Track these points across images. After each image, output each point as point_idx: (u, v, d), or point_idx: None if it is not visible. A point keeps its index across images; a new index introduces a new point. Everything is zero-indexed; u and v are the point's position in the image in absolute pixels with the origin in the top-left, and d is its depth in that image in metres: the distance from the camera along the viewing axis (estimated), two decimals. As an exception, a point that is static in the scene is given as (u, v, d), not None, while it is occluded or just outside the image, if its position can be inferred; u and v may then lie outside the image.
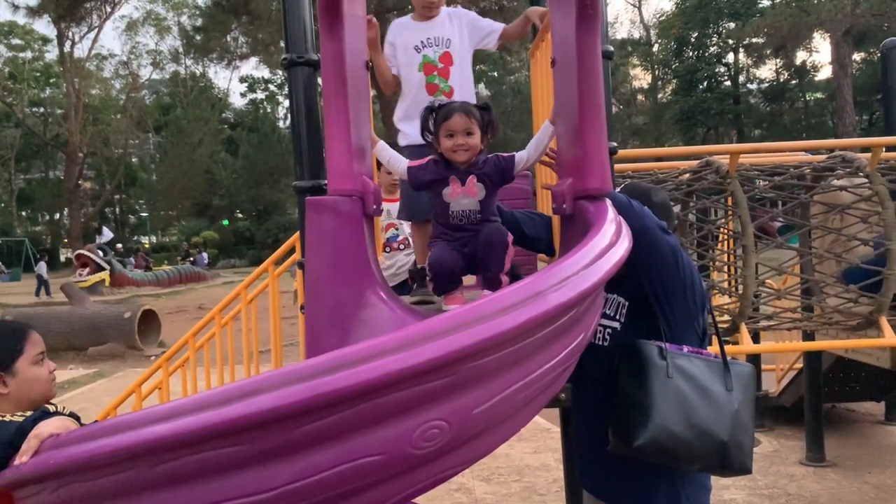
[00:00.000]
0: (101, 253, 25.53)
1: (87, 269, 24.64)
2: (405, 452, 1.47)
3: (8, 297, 25.25)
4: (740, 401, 2.25)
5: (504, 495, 5.61)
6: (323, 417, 1.40)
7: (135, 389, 4.30)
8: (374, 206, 2.32)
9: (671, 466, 2.30)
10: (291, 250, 3.82)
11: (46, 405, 2.08)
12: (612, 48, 2.95)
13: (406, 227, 3.13)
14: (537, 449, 6.72)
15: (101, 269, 24.86)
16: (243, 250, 42.93)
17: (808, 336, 5.55)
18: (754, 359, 7.21)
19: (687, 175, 4.12)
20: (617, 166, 4.18)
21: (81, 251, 26.07)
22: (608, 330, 2.48)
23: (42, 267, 27.13)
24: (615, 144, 3.09)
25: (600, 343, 2.48)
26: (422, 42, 2.86)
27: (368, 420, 1.43)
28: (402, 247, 3.18)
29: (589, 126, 2.18)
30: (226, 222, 46.67)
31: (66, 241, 39.28)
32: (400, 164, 2.46)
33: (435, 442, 1.49)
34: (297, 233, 3.55)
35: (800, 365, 6.75)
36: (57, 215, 50.61)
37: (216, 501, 1.43)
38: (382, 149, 2.52)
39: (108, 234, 29.28)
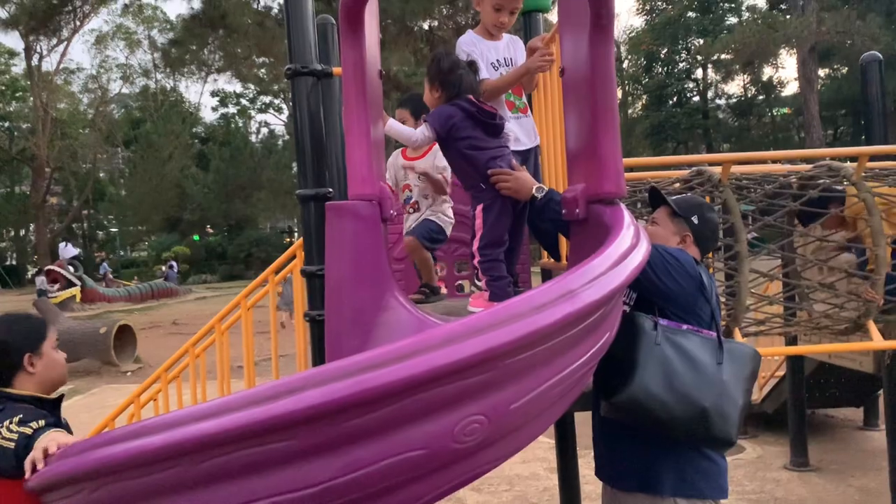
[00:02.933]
0: (71, 269, 25.12)
1: (57, 285, 24.20)
2: (448, 447, 1.50)
3: (-26, 314, 24.69)
4: (730, 374, 2.34)
5: (495, 505, 5.64)
6: (369, 412, 1.43)
7: (133, 400, 4.26)
8: (391, 212, 2.36)
9: (653, 429, 2.38)
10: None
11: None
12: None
13: (417, 191, 3.21)
14: (525, 459, 6.74)
15: (72, 284, 24.44)
16: (215, 265, 42.50)
17: (792, 342, 5.67)
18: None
19: (678, 185, 4.21)
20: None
21: (51, 267, 25.62)
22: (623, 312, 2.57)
23: (42, 281, 26.43)
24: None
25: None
26: (497, 60, 2.94)
27: (412, 415, 1.46)
28: (410, 210, 3.23)
29: (604, 132, 2.24)
30: (196, 237, 46.20)
31: (35, 257, 38.54)
32: (413, 133, 2.58)
33: (475, 436, 1.52)
34: (299, 240, 3.57)
35: (781, 372, 6.87)
36: (23, 231, 49.72)
37: (265, 496, 1.45)
38: (392, 125, 2.64)
39: (70, 249, 28.64)
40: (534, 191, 2.55)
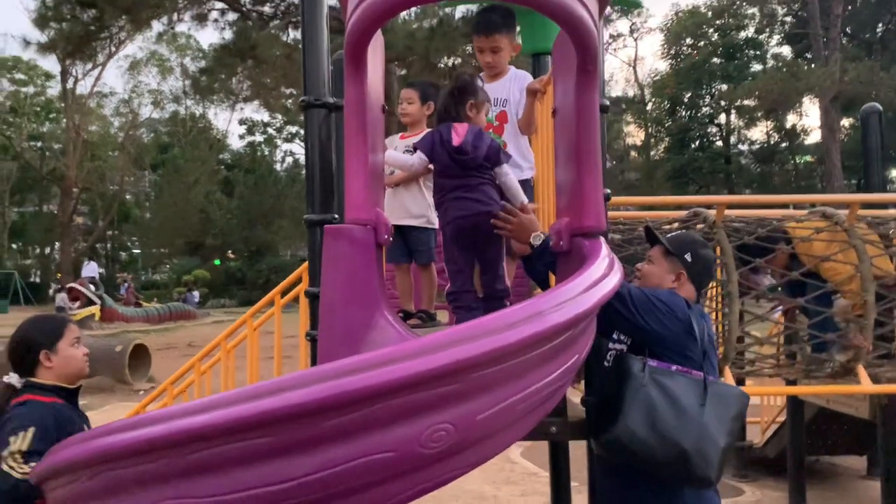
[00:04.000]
0: (92, 287, 25.49)
1: (77, 303, 24.55)
2: (415, 451, 1.63)
3: (-3, 328, 25.10)
4: (712, 416, 2.43)
5: (491, 535, 5.69)
6: (344, 414, 1.56)
7: (139, 411, 4.40)
8: (385, 236, 2.51)
9: (640, 468, 2.49)
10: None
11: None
12: (607, 102, 3.16)
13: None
14: (525, 492, 6.79)
15: (93, 303, 24.78)
16: (234, 290, 42.83)
17: (791, 384, 5.71)
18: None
19: (675, 224, 4.34)
20: (609, 213, 4.39)
21: (73, 285, 26.01)
22: (614, 352, 2.68)
23: (63, 298, 26.91)
24: (609, 191, 3.28)
25: (607, 363, 2.68)
26: (495, 99, 3.10)
27: (384, 419, 1.59)
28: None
29: (586, 170, 2.39)
30: (217, 262, 46.67)
31: (58, 275, 39.12)
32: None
33: (442, 443, 1.65)
34: (304, 265, 3.72)
35: (784, 417, 6.89)
36: (48, 249, 50.54)
37: (246, 488, 1.57)
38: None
39: (92, 268, 29.08)
40: (531, 238, 2.66)
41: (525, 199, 2.84)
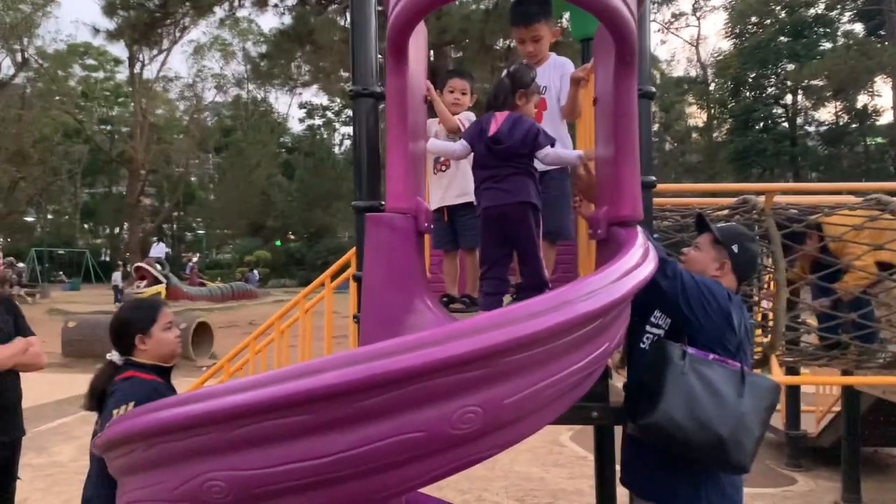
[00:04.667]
0: (158, 266, 26.33)
1: (144, 282, 25.40)
2: (445, 432, 1.70)
3: (69, 304, 26.22)
4: (749, 407, 2.47)
5: (537, 516, 5.76)
6: (376, 395, 1.65)
7: (198, 387, 4.62)
8: (426, 224, 2.59)
9: (674, 452, 2.54)
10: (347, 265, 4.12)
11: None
12: (653, 89, 3.14)
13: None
14: (573, 475, 6.84)
15: (159, 282, 25.61)
16: (294, 271, 43.71)
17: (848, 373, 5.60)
18: (793, 394, 7.26)
19: (725, 211, 4.30)
20: (656, 200, 4.38)
21: (140, 264, 26.91)
22: (652, 336, 2.72)
23: (117, 277, 28.08)
24: (654, 179, 3.28)
25: (644, 347, 2.73)
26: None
27: (414, 401, 1.67)
28: (443, 168, 3.43)
29: (623, 160, 2.42)
30: (278, 243, 47.65)
31: (127, 255, 40.53)
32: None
33: (470, 425, 1.72)
34: (354, 248, 3.83)
35: (839, 407, 6.76)
36: (117, 229, 52.39)
37: (285, 462, 1.68)
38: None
39: (160, 248, 30.12)
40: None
41: (581, 154, 2.87)
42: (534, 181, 2.71)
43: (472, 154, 2.84)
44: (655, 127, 43.58)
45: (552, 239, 3.12)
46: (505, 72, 2.99)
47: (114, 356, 2.87)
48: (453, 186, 3.42)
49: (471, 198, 3.34)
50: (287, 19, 19.73)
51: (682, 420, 2.45)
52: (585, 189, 2.81)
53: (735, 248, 2.84)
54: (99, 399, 2.80)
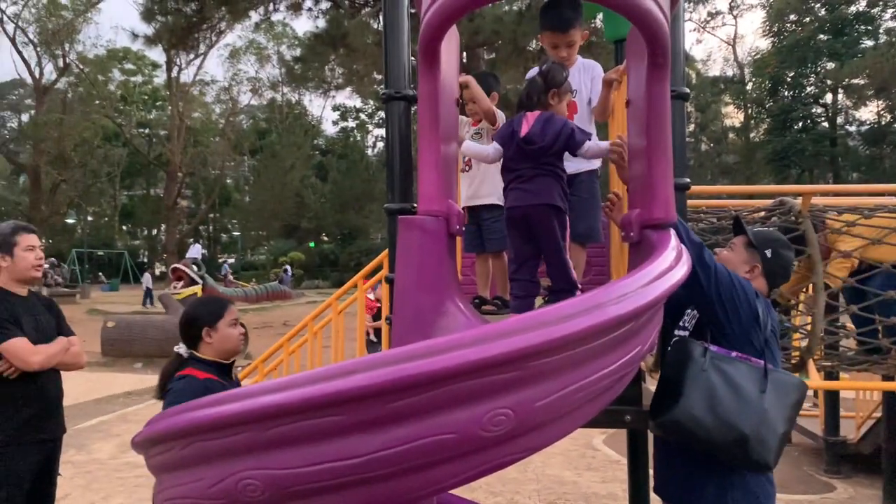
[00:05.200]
0: (195, 268, 26.67)
1: (181, 283, 25.67)
2: (475, 434, 1.71)
3: (108, 305, 26.74)
4: (772, 403, 2.45)
5: (569, 519, 5.74)
6: (408, 396, 1.66)
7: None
8: (458, 227, 2.60)
9: (697, 449, 2.52)
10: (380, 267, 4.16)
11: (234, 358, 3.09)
12: (687, 90, 3.11)
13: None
14: (605, 479, 6.80)
15: (195, 282, 25.92)
16: (327, 272, 44.09)
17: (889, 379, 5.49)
18: (832, 399, 7.12)
19: (761, 213, 4.24)
20: (691, 202, 4.34)
21: (177, 265, 27.20)
22: (676, 338, 2.71)
23: (147, 278, 28.62)
24: (688, 181, 3.25)
25: (670, 349, 2.72)
26: None
27: (445, 402, 1.68)
28: (466, 168, 3.46)
29: (656, 162, 2.40)
30: (312, 244, 48.07)
31: (164, 255, 41.23)
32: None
33: (501, 427, 1.72)
34: (386, 250, 3.85)
35: (880, 413, 6.62)
36: (154, 231, 53.30)
37: (319, 462, 1.70)
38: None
39: (197, 249, 30.52)
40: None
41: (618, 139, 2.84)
42: (560, 183, 2.69)
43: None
44: (691, 127, 43.13)
45: (581, 242, 3.11)
46: (536, 71, 2.99)
47: (181, 349, 3.03)
48: (475, 186, 3.45)
49: (495, 199, 3.36)
50: (321, 23, 19.92)
51: (703, 416, 2.44)
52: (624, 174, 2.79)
53: (768, 252, 2.83)
54: (165, 388, 2.95)
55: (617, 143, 2.81)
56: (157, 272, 46.72)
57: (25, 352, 3.48)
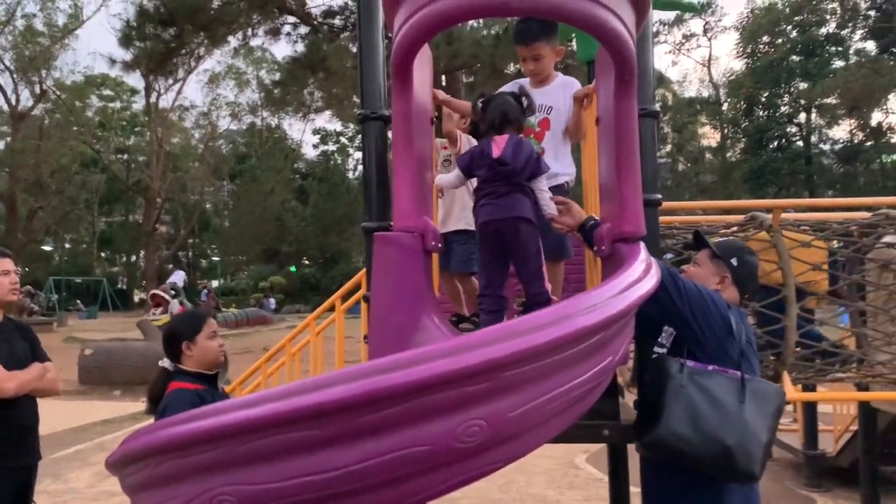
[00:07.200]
0: (173, 293, 26.46)
1: (160, 309, 25.49)
2: (449, 445, 1.72)
3: (86, 332, 26.39)
4: (752, 413, 2.47)
5: (552, 538, 5.72)
6: (381, 409, 1.67)
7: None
8: (433, 243, 2.62)
9: (684, 465, 2.54)
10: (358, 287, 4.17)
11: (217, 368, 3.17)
12: (657, 108, 3.15)
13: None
14: (588, 497, 6.80)
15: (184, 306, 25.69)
16: (309, 296, 43.85)
17: (864, 390, 5.55)
18: (810, 412, 7.18)
19: (734, 228, 4.31)
20: (664, 219, 4.39)
21: (156, 291, 27.03)
22: (655, 355, 2.74)
23: (180, 276, 28.09)
24: (659, 196, 3.28)
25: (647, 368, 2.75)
26: (540, 105, 3.14)
27: (419, 415, 1.70)
28: (440, 195, 3.53)
29: (625, 176, 2.45)
30: (293, 268, 47.85)
31: (143, 282, 40.89)
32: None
33: (475, 438, 1.74)
34: (364, 270, 3.87)
35: (856, 426, 6.69)
36: (134, 257, 52.84)
37: (293, 476, 1.70)
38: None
39: (180, 275, 30.31)
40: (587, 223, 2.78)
41: (554, 210, 2.85)
42: (530, 199, 2.72)
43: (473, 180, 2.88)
44: (668, 148, 43.60)
45: (554, 258, 3.14)
46: (508, 87, 3.04)
47: (165, 363, 3.14)
48: (445, 211, 3.53)
49: (463, 224, 3.46)
50: (300, 47, 20.06)
51: (686, 433, 2.46)
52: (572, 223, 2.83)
53: (734, 261, 2.88)
54: (156, 402, 3.03)
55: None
56: (136, 299, 46.28)
57: None
